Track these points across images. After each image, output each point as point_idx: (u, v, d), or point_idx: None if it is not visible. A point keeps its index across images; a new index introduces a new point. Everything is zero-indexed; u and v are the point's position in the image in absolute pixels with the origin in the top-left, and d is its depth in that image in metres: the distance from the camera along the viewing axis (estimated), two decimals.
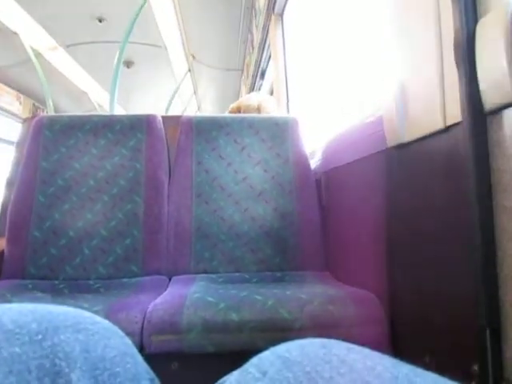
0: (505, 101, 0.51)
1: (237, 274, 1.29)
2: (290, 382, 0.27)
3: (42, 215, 1.33)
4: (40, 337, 0.31)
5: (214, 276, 1.26)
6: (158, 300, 0.95)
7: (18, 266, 1.27)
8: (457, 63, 0.58)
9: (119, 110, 6.31)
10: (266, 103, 1.97)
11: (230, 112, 1.98)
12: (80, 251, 1.31)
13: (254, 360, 0.31)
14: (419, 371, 0.27)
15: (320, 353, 0.29)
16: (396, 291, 0.87)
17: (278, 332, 0.87)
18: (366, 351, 0.30)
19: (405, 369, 0.27)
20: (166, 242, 1.36)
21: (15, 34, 4.51)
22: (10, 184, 1.45)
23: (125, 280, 1.25)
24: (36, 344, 0.30)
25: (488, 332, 0.54)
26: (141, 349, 0.86)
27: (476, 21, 0.57)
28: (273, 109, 1.97)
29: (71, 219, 1.34)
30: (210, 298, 0.92)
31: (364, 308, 0.90)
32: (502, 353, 0.54)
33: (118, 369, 0.33)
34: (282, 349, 0.31)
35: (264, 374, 0.29)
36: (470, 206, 0.56)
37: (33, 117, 1.52)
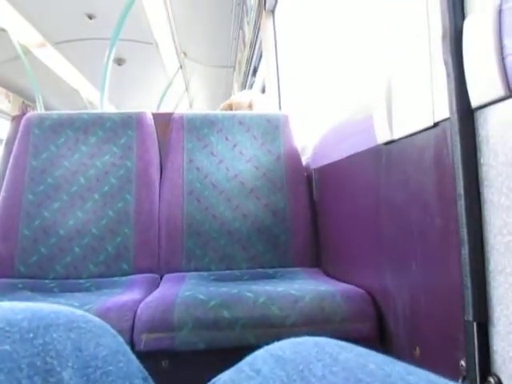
0: (492, 97, 0.51)
1: (228, 272, 1.29)
2: (284, 380, 0.27)
3: (31, 214, 1.32)
4: (31, 335, 0.31)
5: (205, 274, 1.26)
6: (149, 298, 0.94)
7: (7, 265, 1.26)
8: (444, 60, 0.58)
9: (110, 108, 6.27)
10: (258, 101, 1.97)
11: (222, 110, 1.98)
12: (70, 250, 1.30)
13: (248, 358, 0.31)
14: (412, 369, 0.27)
15: (313, 351, 0.29)
16: (386, 287, 0.87)
17: (270, 329, 0.88)
18: (359, 349, 0.30)
19: (398, 367, 0.27)
20: (157, 239, 1.36)
21: (3, 30, 4.45)
22: None
23: (116, 278, 1.24)
24: (27, 342, 0.30)
25: (475, 326, 0.54)
26: (131, 347, 0.85)
27: (464, 17, 0.57)
28: (264, 107, 1.97)
29: (61, 218, 1.33)
30: (201, 296, 0.91)
31: (355, 304, 0.91)
32: (489, 347, 0.54)
33: (110, 367, 0.33)
34: (276, 347, 0.31)
35: (257, 372, 0.29)
36: (458, 201, 0.56)
37: (22, 114, 1.51)
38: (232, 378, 0.30)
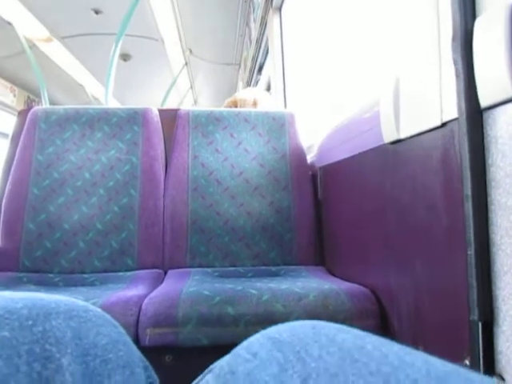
0: (501, 97, 0.51)
1: (232, 269, 1.30)
2: (280, 361, 0.27)
3: (36, 208, 1.32)
4: (30, 322, 0.31)
5: (209, 270, 1.27)
6: (154, 293, 0.95)
7: (12, 259, 1.27)
8: (454, 59, 0.58)
9: (115, 104, 6.28)
10: (262, 98, 1.97)
11: (226, 107, 1.97)
12: (75, 244, 1.30)
13: (244, 343, 0.32)
14: (409, 350, 0.27)
15: (310, 333, 0.29)
16: (390, 286, 0.87)
17: (274, 326, 0.88)
18: (356, 331, 0.30)
19: (395, 347, 0.27)
20: (161, 235, 1.36)
21: (9, 24, 4.46)
22: (4, 177, 1.44)
23: (120, 273, 1.25)
24: (26, 329, 0.30)
25: (480, 326, 0.54)
26: (136, 341, 0.86)
27: (474, 18, 0.57)
28: (268, 104, 1.97)
29: (66, 212, 1.33)
30: (205, 292, 0.92)
31: (358, 302, 0.91)
32: (493, 347, 0.55)
33: (110, 355, 0.33)
34: (273, 330, 0.32)
35: (254, 355, 0.29)
36: (465, 201, 0.56)
37: (28, 109, 1.51)
38: (229, 363, 0.31)
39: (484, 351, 0.54)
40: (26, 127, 1.43)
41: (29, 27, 4.57)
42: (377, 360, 0.25)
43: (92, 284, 1.17)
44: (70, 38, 4.92)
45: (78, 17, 4.43)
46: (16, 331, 0.30)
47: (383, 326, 0.90)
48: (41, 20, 4.45)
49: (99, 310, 0.37)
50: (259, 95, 1.98)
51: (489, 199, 0.55)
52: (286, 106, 2.59)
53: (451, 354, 0.63)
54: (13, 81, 6.06)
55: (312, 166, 1.47)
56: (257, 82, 4.22)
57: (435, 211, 0.68)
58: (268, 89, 3.44)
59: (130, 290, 1.01)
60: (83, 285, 1.16)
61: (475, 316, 0.54)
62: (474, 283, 0.54)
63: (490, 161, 0.55)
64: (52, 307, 0.33)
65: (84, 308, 0.36)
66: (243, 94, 2.01)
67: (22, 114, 1.54)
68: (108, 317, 0.37)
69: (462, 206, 0.57)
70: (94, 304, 0.86)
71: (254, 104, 1.93)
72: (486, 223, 0.55)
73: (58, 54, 5.35)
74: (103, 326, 0.35)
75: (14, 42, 4.68)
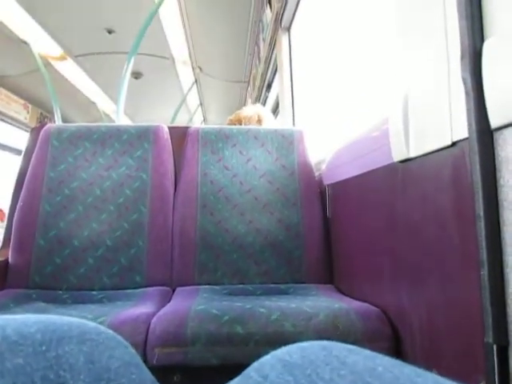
0: None
1: (241, 286, 1.29)
2: None
3: (47, 224, 1.33)
4: (44, 348, 0.31)
5: (217, 288, 1.26)
6: (162, 312, 0.94)
7: (22, 275, 1.27)
8: (463, 79, 0.58)
9: (126, 120, 6.37)
10: (265, 114, 1.99)
11: (229, 124, 1.99)
12: (84, 261, 1.31)
13: (255, 364, 0.32)
14: (421, 371, 0.27)
15: (320, 355, 0.29)
16: (402, 306, 0.86)
17: (283, 345, 0.87)
18: (367, 352, 0.30)
19: (406, 369, 0.27)
20: (170, 252, 1.36)
21: (25, 43, 4.58)
22: (16, 192, 1.46)
23: (129, 291, 1.24)
24: (40, 355, 0.30)
25: (495, 349, 0.53)
26: (144, 361, 0.85)
27: (483, 39, 0.57)
28: (270, 119, 2.00)
29: (76, 228, 1.34)
30: (214, 311, 0.91)
31: (370, 322, 0.90)
32: (509, 370, 0.53)
33: (122, 379, 0.33)
34: (283, 352, 0.31)
35: (265, 377, 0.29)
36: (477, 222, 0.56)
37: (40, 126, 1.54)
38: None
39: (500, 375, 0.53)
40: (38, 144, 1.45)
41: (44, 46, 4.69)
42: (388, 382, 0.25)
43: (100, 301, 1.17)
44: (83, 56, 5.03)
45: (92, 36, 4.53)
46: (30, 357, 0.30)
47: (395, 347, 0.88)
48: (55, 39, 4.57)
49: (111, 331, 0.37)
50: (262, 112, 2.01)
51: (501, 220, 0.54)
52: (294, 123, 2.61)
53: (466, 378, 0.62)
54: (26, 98, 6.19)
55: (320, 183, 1.47)
56: (265, 100, 4.26)
57: (447, 230, 0.68)
58: (276, 106, 3.47)
59: (138, 308, 1.01)
60: (91, 302, 1.16)
61: (490, 339, 0.53)
62: (488, 305, 0.54)
63: (501, 181, 0.54)
64: (64, 330, 0.33)
65: (96, 330, 0.35)
66: (246, 111, 2.02)
67: (35, 131, 1.56)
68: (119, 338, 0.37)
69: (474, 225, 0.57)
70: (102, 322, 0.86)
71: (259, 121, 1.95)
72: (499, 244, 0.54)
73: (72, 71, 5.47)
74: (115, 349, 0.35)
75: (29, 60, 4.80)
